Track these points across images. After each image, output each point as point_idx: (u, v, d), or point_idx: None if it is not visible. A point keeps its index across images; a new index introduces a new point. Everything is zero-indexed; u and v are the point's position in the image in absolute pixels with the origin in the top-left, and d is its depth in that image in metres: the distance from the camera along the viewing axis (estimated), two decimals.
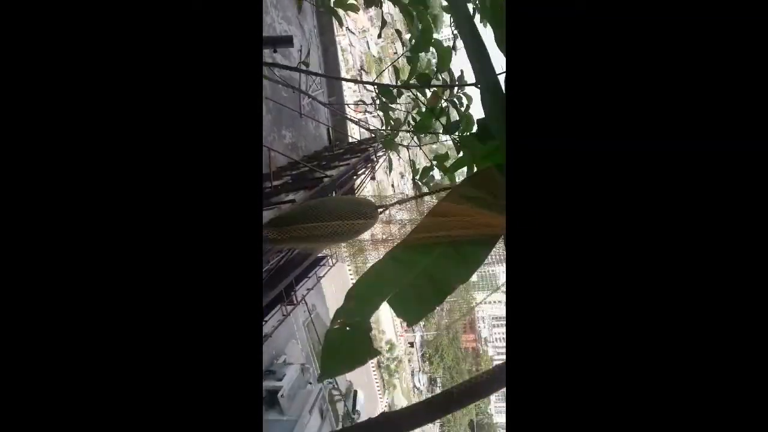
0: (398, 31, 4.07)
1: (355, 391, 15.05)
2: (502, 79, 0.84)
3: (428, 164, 3.25)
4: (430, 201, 1.13)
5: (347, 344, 0.83)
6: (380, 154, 5.54)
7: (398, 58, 3.33)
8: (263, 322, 4.76)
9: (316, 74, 5.81)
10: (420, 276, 0.85)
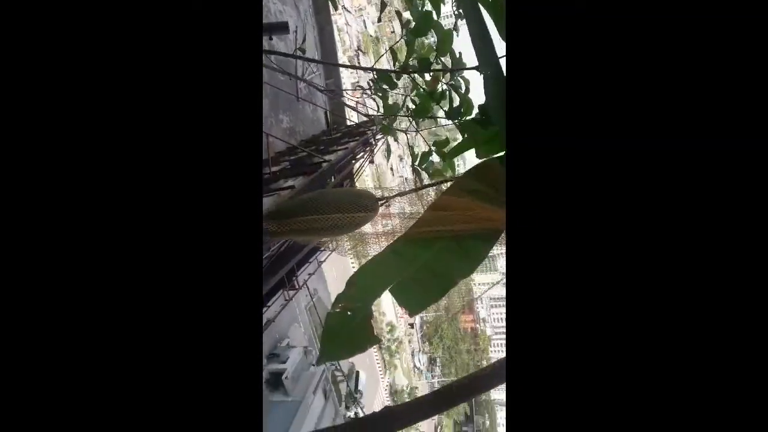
0: (398, 13, 3.95)
1: (357, 372, 15.37)
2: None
3: (427, 149, 3.22)
4: (432, 192, 1.12)
5: (347, 329, 0.83)
6: (379, 137, 5.49)
7: (397, 42, 3.24)
8: (266, 308, 4.81)
9: (313, 61, 5.70)
10: (422, 269, 0.85)
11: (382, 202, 1.10)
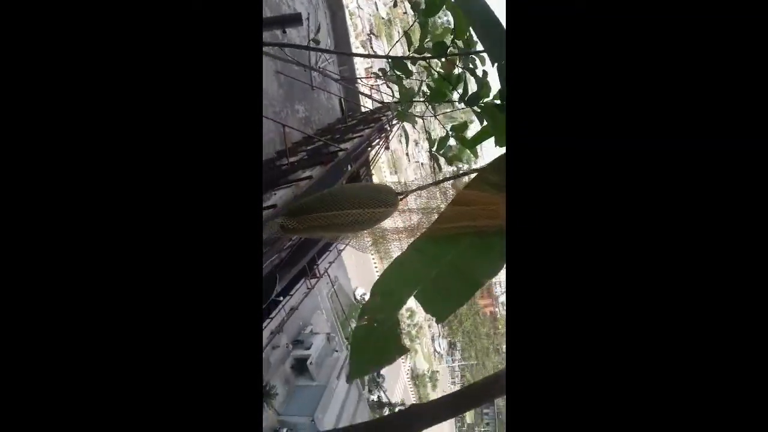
0: None
1: None
2: None
3: (444, 134, 3.15)
4: (450, 186, 1.09)
5: (375, 341, 0.83)
6: (394, 122, 5.43)
7: (411, 27, 3.15)
8: (289, 296, 4.91)
9: (327, 51, 5.63)
10: (446, 269, 0.83)
11: (402, 196, 1.08)
